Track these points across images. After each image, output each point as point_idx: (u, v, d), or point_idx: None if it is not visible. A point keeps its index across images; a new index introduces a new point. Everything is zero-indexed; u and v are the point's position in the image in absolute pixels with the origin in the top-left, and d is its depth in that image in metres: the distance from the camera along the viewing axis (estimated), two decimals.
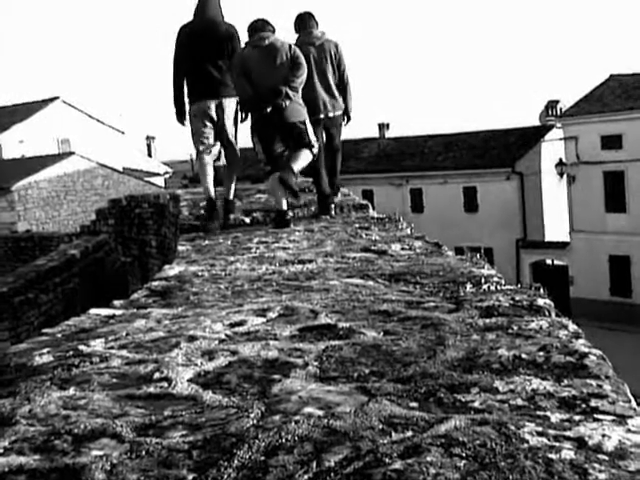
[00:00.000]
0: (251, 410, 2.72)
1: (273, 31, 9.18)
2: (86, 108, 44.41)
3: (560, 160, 45.12)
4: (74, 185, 32.91)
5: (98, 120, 44.64)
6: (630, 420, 2.42)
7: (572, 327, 3.52)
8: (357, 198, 10.74)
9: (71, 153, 34.92)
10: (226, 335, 3.86)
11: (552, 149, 46.89)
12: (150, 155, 58.29)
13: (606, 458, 2.17)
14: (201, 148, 9.53)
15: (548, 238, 47.84)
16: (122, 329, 4.21)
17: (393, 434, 2.42)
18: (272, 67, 8.93)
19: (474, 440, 2.31)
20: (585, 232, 43.63)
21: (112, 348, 3.78)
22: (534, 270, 46.15)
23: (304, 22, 10.10)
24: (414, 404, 2.68)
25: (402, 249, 6.54)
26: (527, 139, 48.55)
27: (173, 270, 6.26)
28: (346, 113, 10.26)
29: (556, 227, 47.74)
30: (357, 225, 8.27)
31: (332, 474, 2.20)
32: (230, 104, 9.51)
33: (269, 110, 8.91)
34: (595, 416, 2.46)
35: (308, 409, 2.68)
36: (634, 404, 2.56)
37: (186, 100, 9.59)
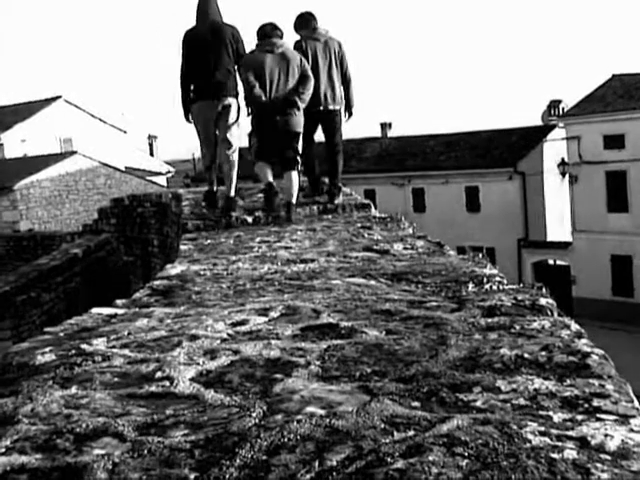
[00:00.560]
0: (253, 409, 2.72)
1: (281, 36, 9.77)
2: (88, 107, 44.43)
3: (562, 160, 45.11)
4: (76, 184, 32.92)
5: (100, 119, 44.62)
6: (633, 420, 2.42)
7: (574, 327, 3.52)
8: (359, 197, 10.75)
9: (73, 152, 34.92)
10: (228, 334, 3.86)
11: (554, 149, 46.89)
12: (152, 154, 58.31)
13: (609, 458, 2.17)
14: (206, 146, 10.14)
15: (550, 238, 47.84)
16: (124, 328, 4.21)
17: (395, 433, 2.41)
18: (285, 76, 9.56)
19: (476, 440, 2.31)
20: (587, 232, 43.64)
21: (114, 347, 3.78)
22: (536, 270, 46.15)
23: (307, 21, 10.41)
24: (416, 403, 2.68)
25: (404, 249, 6.55)
26: (529, 139, 48.55)
27: (175, 269, 6.26)
28: (348, 108, 10.66)
29: (558, 227, 47.75)
30: (359, 224, 8.28)
31: (334, 473, 2.20)
32: (232, 104, 9.86)
33: (278, 118, 9.52)
34: (598, 416, 2.46)
35: (310, 408, 2.68)
36: (637, 404, 2.56)
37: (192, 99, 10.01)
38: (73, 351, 3.73)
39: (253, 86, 9.53)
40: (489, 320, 3.76)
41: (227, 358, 3.41)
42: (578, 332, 3.42)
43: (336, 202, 10.16)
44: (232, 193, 10.00)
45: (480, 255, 5.89)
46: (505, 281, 4.78)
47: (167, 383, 3.11)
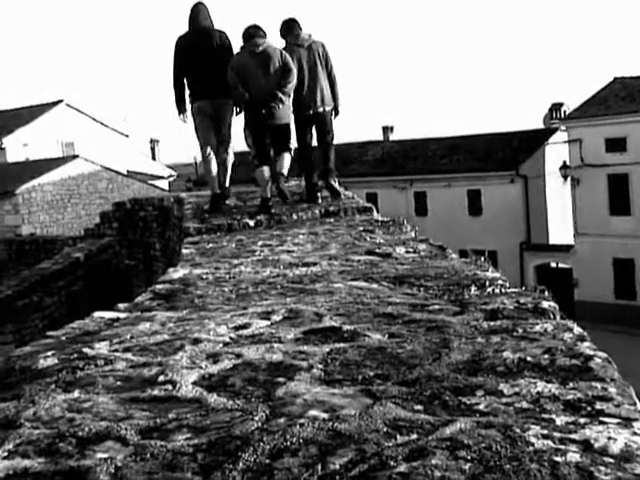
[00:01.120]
0: (256, 413, 2.72)
1: (265, 36, 10.33)
2: (90, 111, 44.48)
3: (564, 163, 45.10)
4: (78, 188, 32.95)
5: (102, 123, 44.67)
6: (635, 423, 2.41)
7: (577, 330, 3.51)
8: (361, 201, 10.74)
9: (75, 156, 34.94)
10: (230, 338, 3.86)
11: (556, 152, 46.89)
12: (154, 158, 58.39)
13: (612, 461, 2.17)
14: (202, 143, 10.86)
15: (552, 241, 47.82)
16: (126, 332, 4.21)
17: (398, 437, 2.41)
18: (266, 73, 10.18)
19: (479, 443, 2.31)
20: (589, 235, 43.61)
21: (116, 351, 3.78)
22: (538, 273, 46.15)
23: (290, 27, 10.92)
24: (419, 407, 2.68)
25: (406, 252, 6.54)
26: (531, 142, 48.56)
27: (177, 273, 6.27)
28: (335, 107, 11.12)
29: (560, 230, 47.72)
30: (361, 228, 8.27)
31: (337, 477, 2.20)
32: (225, 104, 10.71)
33: (264, 112, 10.19)
34: (601, 419, 2.46)
35: (313, 412, 2.68)
36: (639, 407, 2.56)
37: (187, 100, 10.81)
38: (75, 355, 3.73)
39: (236, 86, 10.23)
40: (491, 323, 3.76)
41: (229, 362, 3.41)
42: (580, 335, 3.42)
43: (335, 199, 10.66)
44: (227, 184, 11.04)
45: (482, 258, 5.89)
46: (507, 284, 4.77)
47: (170, 387, 3.11)
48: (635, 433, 2.34)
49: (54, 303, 15.64)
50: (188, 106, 10.88)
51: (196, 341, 3.82)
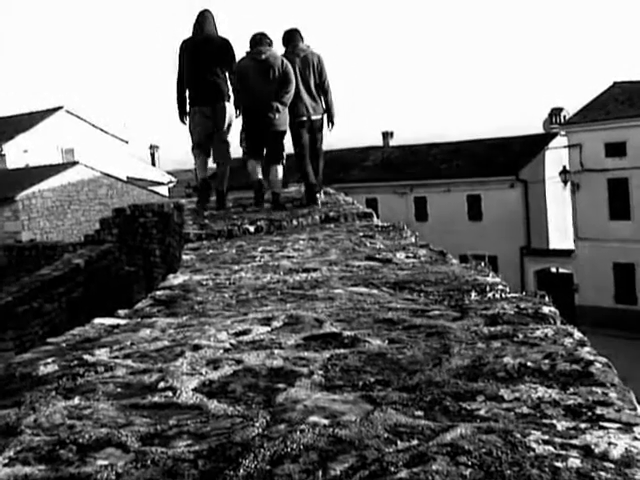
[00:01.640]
0: (256, 419, 2.72)
1: (270, 44, 10.97)
2: (90, 118, 44.51)
3: (564, 168, 45.15)
4: (78, 194, 32.95)
5: (102, 130, 44.69)
6: (636, 428, 2.41)
7: (577, 335, 3.51)
8: (361, 207, 10.76)
9: (75, 163, 34.96)
10: (231, 344, 3.86)
11: (556, 157, 46.94)
12: (154, 164, 58.39)
13: (612, 466, 2.17)
14: (196, 142, 11.47)
15: (552, 246, 47.88)
16: (127, 338, 4.21)
17: (399, 443, 2.41)
18: (266, 80, 10.68)
19: (480, 448, 2.31)
20: (589, 240, 43.65)
21: (117, 357, 3.78)
22: (539, 278, 46.18)
23: (291, 37, 11.54)
24: (419, 412, 2.68)
25: (406, 257, 6.54)
26: (531, 147, 48.62)
27: (177, 279, 6.27)
28: (329, 117, 11.72)
29: (560, 235, 47.77)
30: (361, 234, 8.28)
31: None
32: (224, 108, 11.21)
33: (261, 119, 10.82)
34: (601, 424, 2.45)
35: (313, 418, 2.68)
36: None
37: (187, 103, 11.33)
38: (76, 362, 3.73)
39: (238, 91, 10.91)
40: (492, 329, 3.75)
41: (230, 368, 3.41)
42: (581, 340, 3.42)
43: (319, 201, 11.07)
44: (224, 188, 11.49)
45: (482, 263, 5.89)
46: (508, 289, 4.77)
47: (170, 393, 3.11)
48: (636, 438, 2.33)
49: (54, 309, 15.64)
50: (188, 110, 11.37)
51: (196, 347, 3.82)
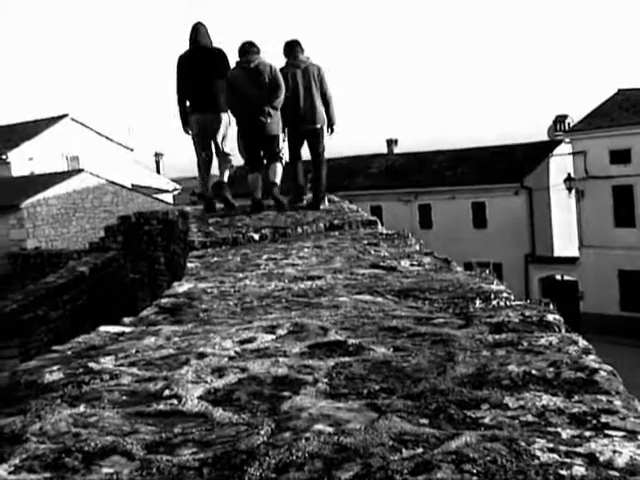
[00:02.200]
0: (261, 427, 2.72)
1: (258, 52, 11.34)
2: (95, 125, 44.53)
3: (568, 175, 45.12)
4: (83, 202, 32.96)
5: (107, 137, 44.71)
6: None
7: (582, 343, 3.51)
8: (366, 214, 10.78)
9: (80, 170, 34.96)
10: (236, 352, 3.86)
11: (560, 164, 46.91)
12: (159, 172, 58.42)
13: (617, 474, 2.17)
14: (198, 152, 12.06)
15: (557, 253, 47.83)
16: (132, 346, 4.22)
17: (404, 451, 2.41)
18: (257, 87, 11.13)
19: (485, 456, 2.31)
20: (594, 247, 43.60)
21: (122, 365, 3.78)
22: (543, 285, 46.11)
23: (292, 48, 11.94)
24: (424, 420, 2.68)
25: (411, 265, 6.54)
26: (535, 154, 48.59)
27: (182, 287, 6.27)
28: (330, 125, 12.06)
29: (565, 242, 47.72)
30: (366, 241, 8.28)
31: None
32: (222, 116, 11.79)
33: (254, 124, 11.24)
34: (606, 432, 2.45)
35: (318, 426, 2.68)
36: None
37: (188, 113, 11.89)
38: (81, 369, 3.74)
39: (230, 99, 11.33)
40: (496, 336, 3.75)
41: (235, 376, 3.42)
42: (586, 348, 3.42)
43: (321, 207, 11.51)
44: (225, 179, 12.15)
45: (487, 271, 5.88)
46: (512, 297, 4.77)
47: (175, 401, 3.11)
48: None
49: (59, 317, 15.65)
50: (189, 118, 11.94)
51: (201, 355, 3.82)
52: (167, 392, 3.23)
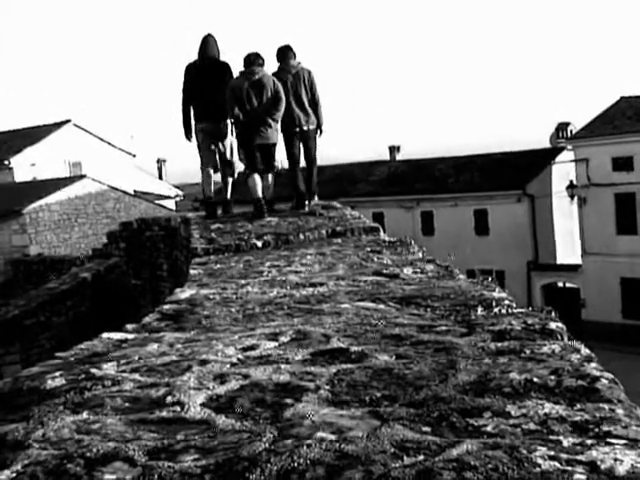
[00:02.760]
0: (263, 434, 2.73)
1: (263, 64, 11.83)
2: (97, 131, 44.54)
3: (571, 182, 45.09)
4: (85, 208, 32.96)
5: (109, 143, 44.72)
6: None
7: (584, 351, 3.51)
8: (368, 221, 10.76)
9: (82, 176, 34.96)
10: (238, 359, 3.87)
11: (563, 171, 46.90)
12: (161, 178, 58.42)
13: None
14: (203, 160, 12.53)
15: (559, 260, 47.79)
16: (134, 353, 4.22)
17: (405, 458, 2.42)
18: (259, 98, 11.63)
19: (486, 464, 2.31)
20: (597, 254, 43.56)
21: (124, 372, 3.79)
22: (546, 293, 46.08)
23: (284, 54, 12.50)
24: (426, 428, 2.68)
25: (413, 272, 6.54)
26: (538, 161, 48.57)
27: (185, 293, 6.28)
28: (319, 127, 12.76)
29: (567, 249, 47.70)
30: (368, 248, 8.28)
31: None
32: (225, 126, 12.34)
33: (255, 133, 11.72)
34: (607, 440, 2.46)
35: (320, 433, 2.69)
36: None
37: (192, 121, 12.39)
38: (83, 376, 3.74)
39: (233, 108, 11.68)
40: (499, 344, 3.76)
41: (237, 383, 3.42)
42: (588, 356, 3.42)
43: (312, 203, 12.46)
44: (228, 196, 12.74)
45: (489, 278, 5.88)
46: (514, 305, 4.77)
47: (177, 408, 3.11)
48: None
49: (61, 323, 15.66)
50: (193, 127, 12.44)
51: (204, 362, 3.82)
52: (169, 399, 3.23)
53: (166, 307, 5.72)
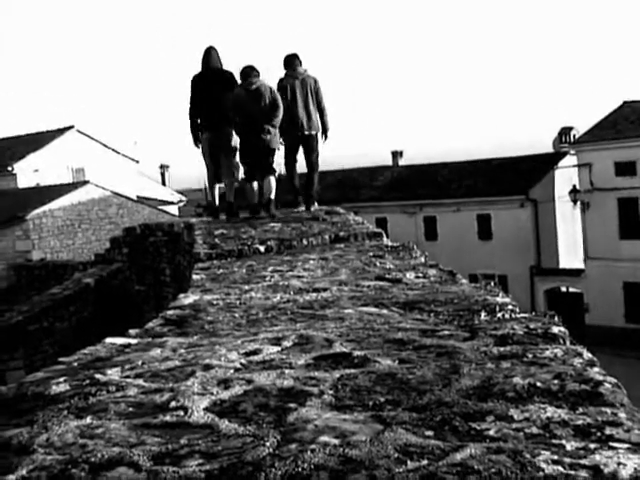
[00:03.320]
0: (267, 439, 2.73)
1: (258, 75, 12.48)
2: (100, 137, 44.58)
3: (574, 187, 45.11)
4: (88, 214, 33.00)
5: (112, 149, 44.76)
6: None
7: (587, 355, 3.52)
8: (371, 226, 10.77)
9: (85, 182, 35.01)
10: (241, 364, 3.87)
11: (566, 176, 46.90)
12: (164, 183, 58.50)
13: None
14: (209, 167, 13.25)
15: (562, 265, 47.79)
16: (138, 358, 4.22)
17: (409, 462, 2.42)
18: (258, 107, 12.27)
19: (489, 468, 2.31)
20: (600, 259, 43.55)
21: (128, 377, 3.79)
22: (549, 297, 46.08)
23: (290, 61, 13.25)
24: (429, 432, 2.69)
25: (416, 277, 6.55)
26: (541, 166, 48.59)
27: (188, 299, 6.28)
28: (324, 132, 13.47)
29: (570, 254, 47.68)
30: (371, 253, 8.28)
31: None
32: (230, 133, 12.92)
33: (255, 139, 12.36)
34: (610, 444, 2.46)
35: (324, 438, 2.69)
36: None
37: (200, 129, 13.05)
38: (87, 381, 3.75)
39: (234, 116, 12.46)
40: (502, 349, 3.76)
41: (241, 388, 3.42)
42: (590, 360, 3.42)
43: (312, 209, 13.06)
44: (232, 199, 13.16)
45: (492, 283, 5.88)
46: (517, 309, 4.77)
47: (181, 413, 3.12)
48: None
49: (65, 329, 15.67)
50: (200, 134, 13.07)
51: (207, 367, 3.83)
52: (173, 403, 3.24)
53: (169, 312, 5.73)
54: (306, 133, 13.25)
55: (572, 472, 2.26)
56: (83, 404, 3.36)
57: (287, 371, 3.65)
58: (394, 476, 2.32)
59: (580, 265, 45.82)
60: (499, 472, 2.28)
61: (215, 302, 6.00)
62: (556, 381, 3.13)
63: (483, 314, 4.69)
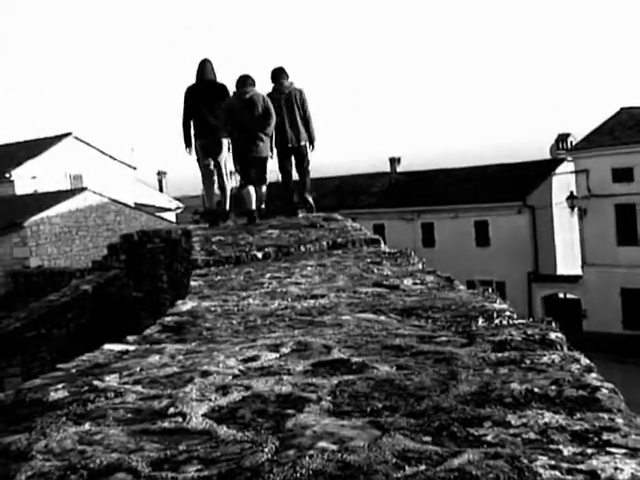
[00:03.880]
0: (265, 445, 2.74)
1: (253, 84, 12.78)
2: (98, 144, 44.57)
3: (571, 193, 45.14)
4: (86, 220, 32.99)
5: (110, 156, 44.75)
6: None
7: (584, 361, 3.52)
8: (368, 233, 10.77)
9: (83, 189, 35.00)
10: (239, 370, 3.88)
11: (563, 182, 46.95)
12: (161, 190, 58.46)
13: None
14: (203, 174, 13.60)
15: (560, 271, 47.80)
16: (136, 364, 4.23)
17: (407, 468, 2.43)
18: (251, 116, 12.62)
19: (487, 474, 2.32)
20: (597, 265, 43.58)
21: (126, 383, 3.80)
22: (546, 303, 46.08)
23: (277, 75, 13.63)
24: (427, 438, 2.69)
25: (414, 284, 6.55)
26: (538, 172, 48.64)
27: (186, 305, 6.28)
28: (311, 142, 13.89)
29: (568, 260, 47.71)
30: (369, 260, 8.28)
31: None
32: (223, 142, 13.28)
33: (248, 147, 12.72)
34: (607, 449, 2.47)
35: (322, 443, 2.70)
36: None
37: (193, 138, 13.33)
38: (86, 387, 3.75)
39: (227, 125, 12.79)
40: (499, 355, 3.77)
41: (239, 394, 3.43)
42: (588, 366, 3.43)
43: (310, 215, 13.26)
44: (227, 207, 13.59)
45: (490, 289, 5.89)
46: (515, 315, 4.78)
47: (180, 419, 3.12)
48: None
49: (62, 335, 15.65)
50: (193, 143, 13.35)
51: (205, 373, 3.83)
52: (172, 410, 3.24)
53: (167, 319, 5.73)
54: (295, 145, 13.72)
55: (569, 477, 2.27)
56: (82, 410, 3.36)
57: (285, 377, 3.65)
58: None
59: (578, 271, 45.86)
60: (497, 477, 2.29)
61: (213, 309, 6.00)
62: (554, 387, 3.14)
63: (481, 320, 4.70)
